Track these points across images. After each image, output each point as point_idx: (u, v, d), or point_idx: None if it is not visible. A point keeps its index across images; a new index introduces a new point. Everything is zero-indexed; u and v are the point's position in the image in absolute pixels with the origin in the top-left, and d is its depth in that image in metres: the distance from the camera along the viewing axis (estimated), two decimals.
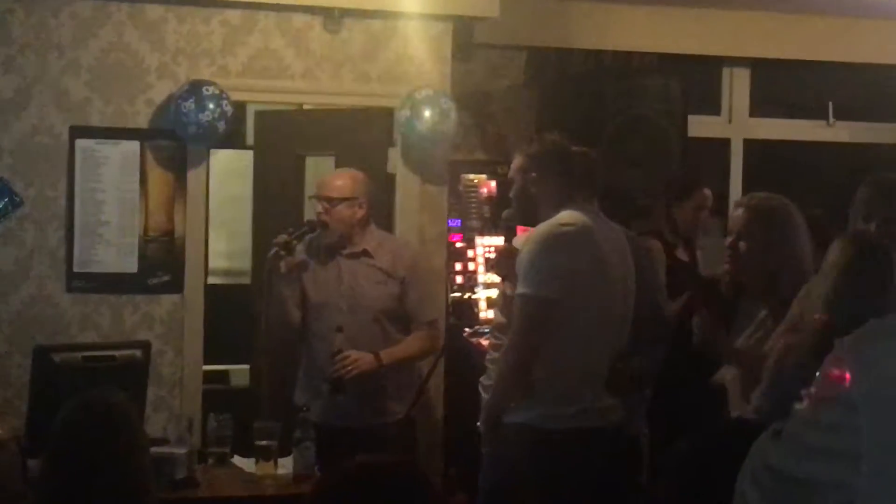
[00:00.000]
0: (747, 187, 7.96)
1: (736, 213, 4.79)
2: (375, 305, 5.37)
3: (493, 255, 6.31)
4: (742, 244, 4.64)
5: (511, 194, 4.89)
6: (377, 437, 5.23)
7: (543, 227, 4.61)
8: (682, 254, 6.30)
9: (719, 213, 7.15)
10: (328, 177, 5.58)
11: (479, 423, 4.69)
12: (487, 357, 4.95)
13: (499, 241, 6.63)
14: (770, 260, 4.57)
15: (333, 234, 5.39)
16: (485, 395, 4.81)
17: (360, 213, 5.41)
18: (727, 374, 4.53)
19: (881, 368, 1.59)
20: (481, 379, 4.92)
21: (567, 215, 4.59)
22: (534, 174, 4.74)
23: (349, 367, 5.18)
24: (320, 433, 4.88)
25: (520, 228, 5.49)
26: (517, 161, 4.84)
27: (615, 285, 4.64)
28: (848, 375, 1.61)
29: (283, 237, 5.33)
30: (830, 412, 1.62)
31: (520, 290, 4.51)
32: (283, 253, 5.28)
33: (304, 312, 5.42)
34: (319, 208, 5.40)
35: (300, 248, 5.41)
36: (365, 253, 5.43)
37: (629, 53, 7.45)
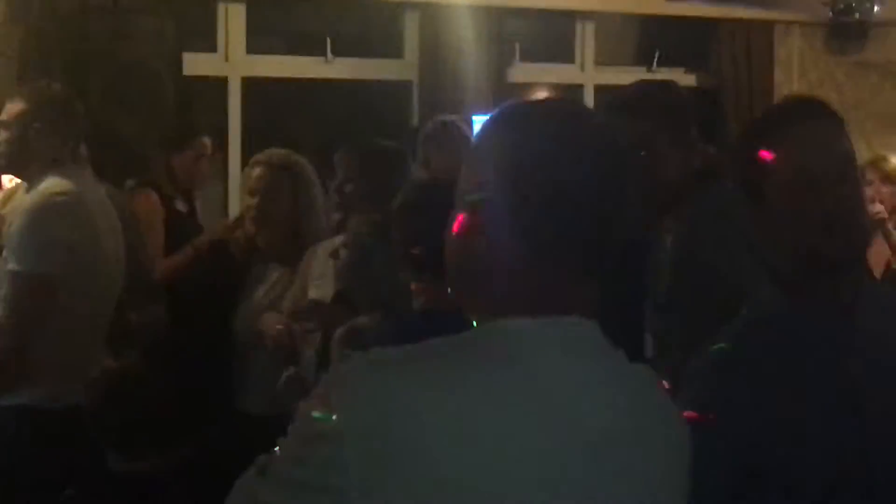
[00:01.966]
0: (247, 127, 8.11)
1: (256, 173, 4.93)
2: None
3: None
4: (267, 202, 4.81)
5: (2, 139, 4.71)
6: None
7: (34, 197, 4.54)
8: (181, 205, 6.35)
9: (219, 158, 7.26)
10: None
11: None
12: None
13: None
14: (296, 217, 4.78)
15: None
16: None
17: None
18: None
19: (368, 404, 1.68)
20: None
21: (57, 183, 4.52)
22: (37, 125, 4.60)
23: None
24: None
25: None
26: (18, 106, 4.66)
27: (108, 254, 4.65)
28: (332, 412, 1.69)
29: None
30: (319, 448, 1.69)
31: (13, 266, 4.41)
32: None
33: None
34: None
35: None
36: None
37: None
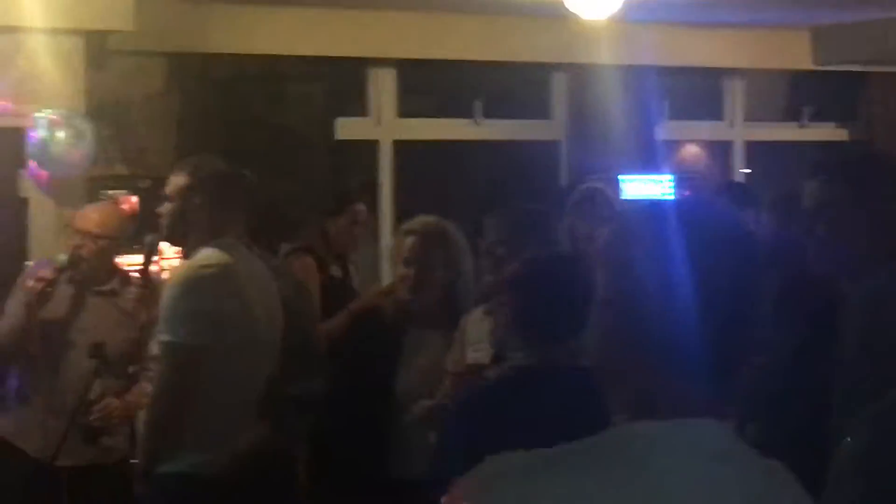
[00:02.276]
0: (399, 189, 8.18)
1: (409, 242, 4.97)
2: (115, 348, 5.28)
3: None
4: (422, 271, 4.86)
5: (163, 212, 4.80)
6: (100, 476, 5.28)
7: (183, 269, 4.61)
8: (336, 270, 6.39)
9: (372, 221, 7.32)
10: (88, 209, 5.53)
11: None
12: None
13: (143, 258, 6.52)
14: (448, 283, 4.84)
15: (87, 271, 5.31)
16: None
17: (118, 250, 5.42)
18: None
19: None
20: None
21: (208, 255, 4.56)
22: (197, 200, 4.68)
23: (108, 416, 5.18)
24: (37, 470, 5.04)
25: None
26: (181, 180, 4.71)
27: (260, 326, 4.68)
28: None
29: (47, 271, 5.18)
30: None
31: (163, 336, 4.48)
32: (49, 289, 5.16)
33: (35, 343, 5.26)
34: (78, 241, 5.30)
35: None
36: (113, 293, 5.38)
37: (273, 58, 7.48)
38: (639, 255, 1.78)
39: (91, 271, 5.35)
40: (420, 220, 5.20)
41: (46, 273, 5.20)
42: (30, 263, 5.70)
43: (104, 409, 5.21)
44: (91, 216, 5.42)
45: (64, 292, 5.33)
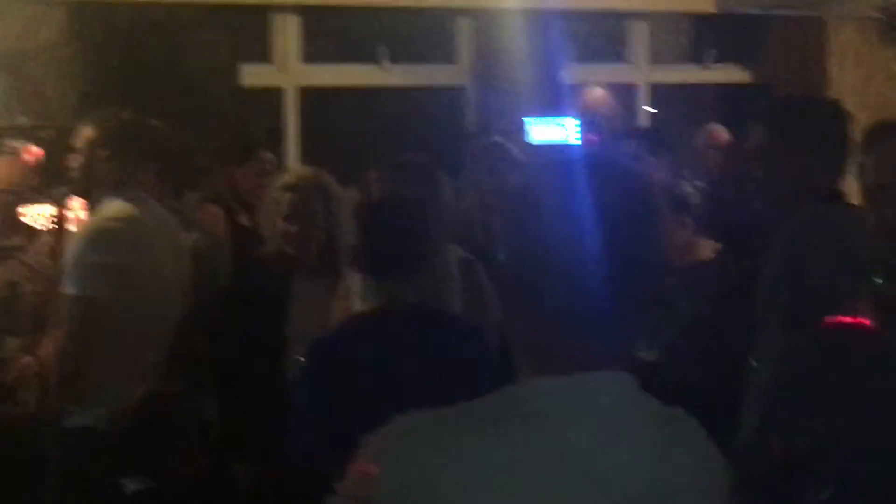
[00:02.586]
0: (304, 136, 8.13)
1: (289, 198, 4.92)
2: (24, 304, 5.25)
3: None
4: (303, 225, 4.82)
5: (70, 164, 4.74)
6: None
7: (90, 222, 4.57)
8: (244, 219, 6.34)
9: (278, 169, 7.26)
10: None
11: None
12: None
13: (49, 210, 6.44)
14: (331, 234, 4.81)
15: None
16: None
17: (22, 202, 5.54)
18: None
19: (406, 470, 1.73)
20: None
21: (115, 208, 4.52)
22: (105, 153, 4.62)
23: (21, 373, 5.17)
24: None
25: None
26: (89, 132, 4.67)
27: (166, 278, 4.65)
28: (376, 473, 1.74)
29: None
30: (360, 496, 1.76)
31: (68, 289, 4.42)
32: None
33: None
34: None
35: None
36: (18, 247, 5.42)
37: (175, 5, 7.38)
38: (542, 209, 1.78)
39: None
40: (298, 174, 5.17)
41: None
42: None
43: (16, 365, 5.16)
44: None
45: None
